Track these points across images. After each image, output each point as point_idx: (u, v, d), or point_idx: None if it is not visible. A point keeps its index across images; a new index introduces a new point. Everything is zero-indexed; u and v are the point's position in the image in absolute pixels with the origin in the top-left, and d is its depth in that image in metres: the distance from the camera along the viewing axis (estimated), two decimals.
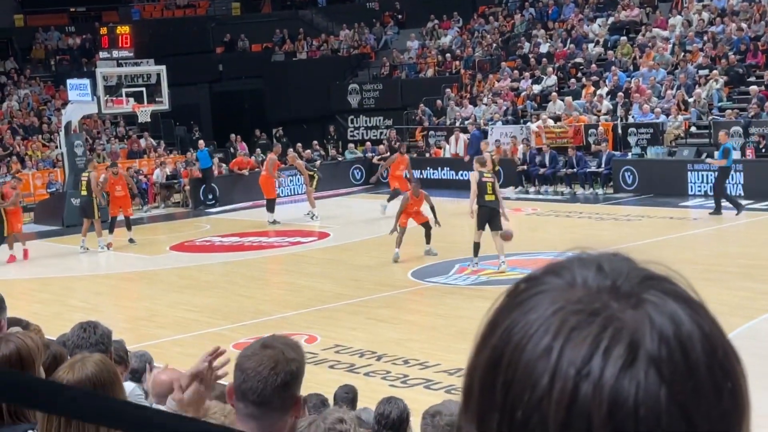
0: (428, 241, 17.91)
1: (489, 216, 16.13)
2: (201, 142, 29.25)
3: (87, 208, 21.22)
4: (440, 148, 29.77)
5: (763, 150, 23.19)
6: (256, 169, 29.24)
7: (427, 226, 17.88)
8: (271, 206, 23.86)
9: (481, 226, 16.19)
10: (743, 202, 21.24)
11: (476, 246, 16.32)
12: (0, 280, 17.10)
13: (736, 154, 23.42)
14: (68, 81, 26.97)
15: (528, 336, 0.81)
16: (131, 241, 21.49)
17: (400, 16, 40.26)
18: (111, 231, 21.33)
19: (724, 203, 20.71)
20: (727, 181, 21.36)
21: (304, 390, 2.85)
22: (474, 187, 16.32)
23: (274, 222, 23.49)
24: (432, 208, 17.97)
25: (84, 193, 21.36)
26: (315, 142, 31.64)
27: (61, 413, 1.51)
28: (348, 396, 6.78)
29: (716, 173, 21.28)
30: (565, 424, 0.77)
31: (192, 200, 27.70)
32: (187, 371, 2.88)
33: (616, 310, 0.80)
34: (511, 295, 0.86)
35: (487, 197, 16.15)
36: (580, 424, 0.77)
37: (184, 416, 1.64)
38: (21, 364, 3.00)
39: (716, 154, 21.58)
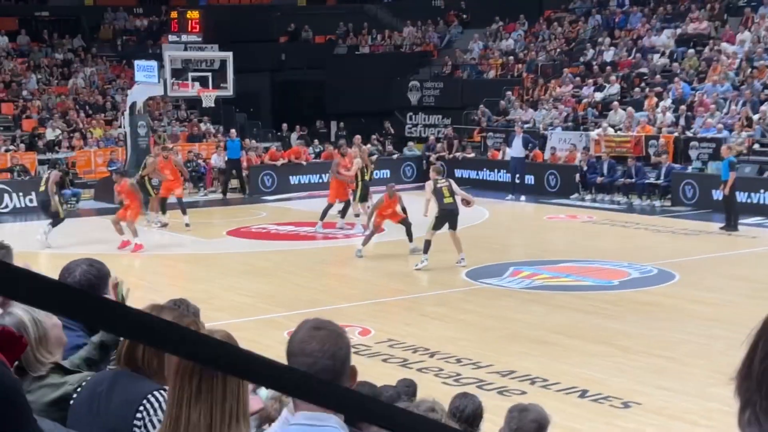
0: (411, 240, 18.26)
1: (449, 218, 17.09)
2: (233, 131, 28.67)
3: (45, 206, 19.61)
4: (498, 150, 29.72)
5: None
6: (313, 160, 29.58)
7: (405, 222, 18.38)
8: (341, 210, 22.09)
9: (438, 227, 16.99)
10: None
11: (427, 243, 16.94)
12: (59, 254, 17.40)
13: None
14: (135, 62, 27.29)
15: None
16: (187, 225, 21.71)
17: (464, 16, 40.23)
18: (164, 212, 21.71)
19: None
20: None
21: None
22: (428, 195, 17.18)
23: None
24: (404, 209, 18.53)
25: (42, 189, 19.66)
26: (374, 136, 31.74)
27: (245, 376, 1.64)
28: (409, 389, 6.82)
29: (727, 189, 20.72)
30: None
31: (249, 186, 27.97)
32: None
33: None
34: None
35: (446, 200, 17.08)
36: None
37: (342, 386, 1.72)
38: None
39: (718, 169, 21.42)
